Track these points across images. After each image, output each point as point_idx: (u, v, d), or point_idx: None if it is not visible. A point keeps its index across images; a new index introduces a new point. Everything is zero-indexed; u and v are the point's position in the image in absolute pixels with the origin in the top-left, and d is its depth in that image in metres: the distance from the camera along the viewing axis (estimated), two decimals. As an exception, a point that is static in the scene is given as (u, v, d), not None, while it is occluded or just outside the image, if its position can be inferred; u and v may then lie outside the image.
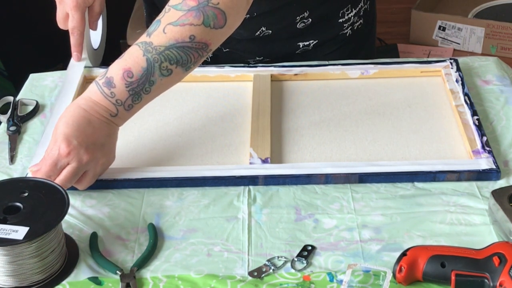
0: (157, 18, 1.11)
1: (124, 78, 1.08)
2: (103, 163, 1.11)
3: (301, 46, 1.45)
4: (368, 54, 1.54)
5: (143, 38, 1.10)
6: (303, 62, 1.40)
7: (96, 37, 1.48)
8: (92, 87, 1.11)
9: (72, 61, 1.40)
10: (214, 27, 1.09)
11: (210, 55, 1.45)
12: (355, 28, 1.47)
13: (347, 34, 1.47)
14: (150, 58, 1.08)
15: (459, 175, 1.11)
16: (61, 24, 1.37)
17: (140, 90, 1.09)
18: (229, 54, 1.47)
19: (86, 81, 1.38)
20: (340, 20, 1.44)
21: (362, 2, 1.47)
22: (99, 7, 1.39)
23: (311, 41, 1.44)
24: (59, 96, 1.32)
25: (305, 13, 1.40)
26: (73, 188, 1.11)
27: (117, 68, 1.09)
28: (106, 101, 1.10)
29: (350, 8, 1.44)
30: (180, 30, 1.08)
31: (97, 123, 1.10)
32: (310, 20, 1.41)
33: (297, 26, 1.41)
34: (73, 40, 1.37)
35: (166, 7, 1.11)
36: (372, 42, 1.59)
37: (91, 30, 1.43)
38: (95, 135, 1.09)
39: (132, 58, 1.09)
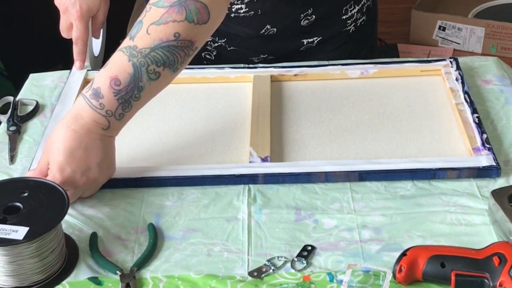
0: (139, 19, 1.07)
1: (111, 86, 1.04)
2: (102, 180, 1.10)
3: (305, 43, 1.45)
4: (370, 51, 1.55)
5: (127, 42, 1.06)
6: (303, 62, 1.40)
7: (97, 44, 1.49)
8: (80, 101, 1.07)
9: (74, 69, 1.40)
10: (198, 23, 1.05)
11: (214, 53, 1.46)
12: (358, 24, 1.48)
13: (351, 31, 1.47)
14: (136, 62, 1.04)
15: (459, 172, 1.11)
16: (64, 33, 1.38)
17: (130, 98, 1.05)
18: (233, 53, 1.47)
19: (87, 83, 1.38)
20: (344, 17, 1.44)
21: None
22: (103, 16, 1.40)
23: (315, 38, 1.44)
24: (59, 99, 1.32)
25: (309, 10, 1.40)
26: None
27: (103, 78, 1.05)
28: (96, 114, 1.05)
29: (353, 5, 1.45)
30: (163, 28, 1.04)
31: (90, 144, 1.06)
32: (314, 17, 1.41)
33: (301, 23, 1.42)
34: (76, 49, 1.37)
35: (147, 5, 1.07)
36: (374, 39, 1.59)
37: (93, 38, 1.44)
38: (89, 158, 1.06)
39: (118, 65, 1.05)
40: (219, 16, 1.10)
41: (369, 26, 1.52)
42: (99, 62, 1.51)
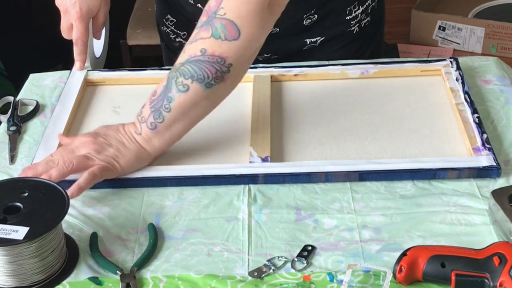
0: None
1: (150, 97, 1.13)
2: (99, 163, 1.11)
3: (308, 43, 1.45)
4: (375, 52, 1.55)
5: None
6: (303, 62, 1.40)
7: (98, 45, 1.49)
8: None
9: (75, 69, 1.40)
10: (226, 39, 1.07)
11: None
12: (362, 25, 1.48)
13: (354, 32, 1.47)
14: (169, 76, 1.11)
15: (459, 172, 1.11)
16: (65, 34, 1.39)
17: (160, 107, 1.11)
18: None
19: (87, 84, 1.38)
20: (347, 17, 1.45)
21: (369, 0, 1.47)
22: (103, 17, 1.41)
23: (318, 38, 1.45)
24: (60, 100, 1.32)
25: (312, 11, 1.41)
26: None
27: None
28: (136, 119, 1.15)
29: (357, 6, 1.45)
30: (193, 46, 1.10)
31: (121, 134, 1.14)
32: (316, 16, 1.41)
33: (304, 22, 1.42)
34: (76, 50, 1.38)
35: None
36: (379, 40, 1.59)
37: (94, 39, 1.44)
38: (111, 137, 1.13)
39: (161, 81, 1.13)
40: (254, 33, 1.09)
41: (373, 27, 1.52)
42: (101, 63, 1.50)
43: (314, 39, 1.45)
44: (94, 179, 1.09)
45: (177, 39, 1.52)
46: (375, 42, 1.56)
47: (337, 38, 1.47)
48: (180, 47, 1.17)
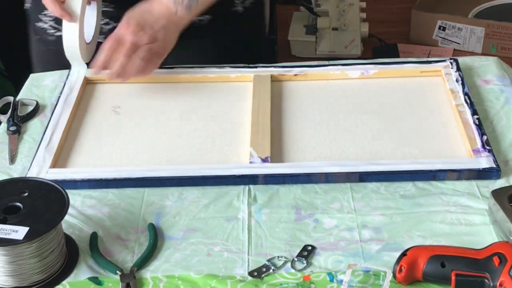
0: None
1: None
2: (158, 45, 1.28)
3: (197, 21, 1.47)
4: (258, 33, 1.62)
5: None
6: (303, 62, 1.40)
7: (89, 30, 1.43)
8: None
9: (73, 69, 1.39)
10: None
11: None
12: (247, 6, 1.53)
13: (240, 11, 1.52)
14: None
15: (459, 174, 1.11)
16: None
17: None
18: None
19: (87, 82, 1.38)
20: None
21: None
22: None
23: (206, 16, 1.47)
24: (60, 99, 1.32)
25: None
26: (73, 187, 1.11)
27: None
28: (171, 1, 1.30)
29: None
30: None
31: (157, 10, 1.29)
32: None
33: None
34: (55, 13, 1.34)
35: None
36: (262, 21, 1.66)
37: (84, 23, 1.38)
38: (154, 19, 1.28)
39: None
40: None
41: (257, 8, 1.57)
42: (91, 50, 1.41)
43: (202, 18, 1.47)
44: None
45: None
46: (258, 22, 1.62)
47: (223, 17, 1.50)
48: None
